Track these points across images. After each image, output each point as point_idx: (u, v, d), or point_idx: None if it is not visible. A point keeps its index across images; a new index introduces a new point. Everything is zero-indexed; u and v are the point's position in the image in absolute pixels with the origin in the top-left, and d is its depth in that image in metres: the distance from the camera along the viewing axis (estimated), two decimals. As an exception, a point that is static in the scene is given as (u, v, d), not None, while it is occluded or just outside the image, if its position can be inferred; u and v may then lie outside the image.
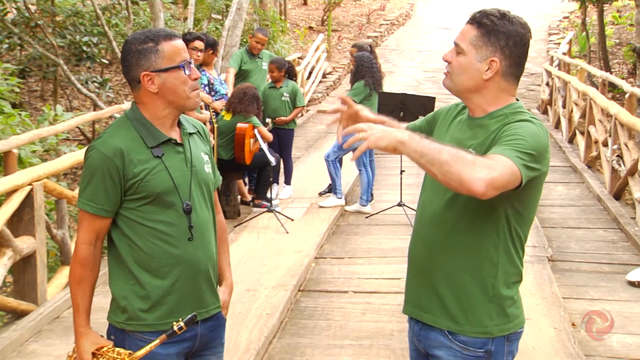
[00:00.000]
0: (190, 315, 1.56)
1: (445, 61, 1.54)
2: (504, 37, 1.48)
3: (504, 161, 1.35)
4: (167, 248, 1.59)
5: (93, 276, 1.62)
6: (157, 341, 1.54)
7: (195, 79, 1.62)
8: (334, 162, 5.30)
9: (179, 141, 1.64)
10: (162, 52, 1.58)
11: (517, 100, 1.55)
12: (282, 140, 5.56)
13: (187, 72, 1.59)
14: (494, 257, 1.50)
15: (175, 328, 1.54)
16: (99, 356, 1.58)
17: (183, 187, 1.61)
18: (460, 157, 1.33)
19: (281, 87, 5.52)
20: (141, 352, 1.54)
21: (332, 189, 5.48)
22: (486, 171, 1.32)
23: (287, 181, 5.75)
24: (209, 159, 1.72)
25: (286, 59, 6.44)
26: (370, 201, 5.63)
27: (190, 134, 1.69)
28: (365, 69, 5.13)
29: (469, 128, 1.56)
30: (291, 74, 5.64)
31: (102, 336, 1.63)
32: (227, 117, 4.99)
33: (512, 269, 1.54)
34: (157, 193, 1.58)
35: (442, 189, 1.52)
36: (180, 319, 1.56)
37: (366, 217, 5.26)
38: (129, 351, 1.56)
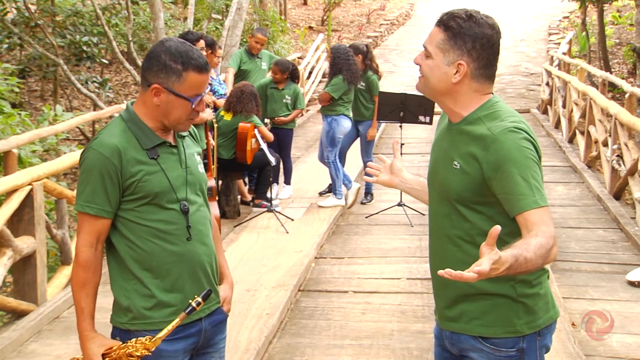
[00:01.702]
0: (205, 291, 1.58)
1: (416, 64, 1.54)
2: (471, 39, 1.47)
3: (542, 217, 1.42)
4: (167, 246, 1.61)
5: (96, 279, 1.61)
6: (177, 319, 1.56)
7: (197, 111, 1.63)
8: (334, 162, 5.30)
9: (172, 143, 1.66)
10: (183, 79, 1.58)
11: (493, 94, 1.54)
12: (281, 140, 5.56)
13: (194, 105, 1.61)
14: None
15: (194, 304, 1.55)
16: (110, 358, 1.57)
17: (179, 187, 1.63)
18: (537, 257, 1.38)
19: (283, 89, 5.50)
20: (163, 333, 1.54)
21: (332, 189, 5.48)
22: (553, 248, 1.41)
23: (287, 181, 5.76)
24: (201, 159, 1.75)
25: (286, 58, 6.44)
26: (370, 201, 5.64)
27: (183, 136, 1.70)
28: (342, 62, 5.09)
29: (450, 135, 1.56)
30: (294, 76, 5.61)
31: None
32: (228, 117, 5.00)
33: None
34: (155, 193, 1.59)
35: (444, 205, 1.54)
36: (195, 296, 1.57)
37: (366, 217, 5.27)
38: (149, 336, 1.56)
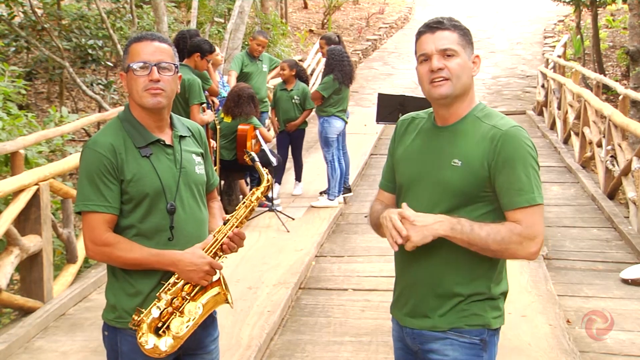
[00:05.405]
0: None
1: (438, 69, 1.53)
2: (470, 35, 1.61)
3: (533, 216, 1.49)
4: (152, 247, 1.60)
5: (129, 240, 1.60)
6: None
7: (153, 80, 1.59)
8: (332, 162, 5.38)
9: (168, 142, 1.65)
10: (129, 53, 1.62)
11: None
12: (294, 140, 5.67)
13: (140, 73, 1.59)
14: (489, 259, 1.55)
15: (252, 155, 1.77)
16: (217, 239, 1.63)
17: (171, 187, 1.61)
18: (507, 241, 1.47)
19: (292, 89, 5.57)
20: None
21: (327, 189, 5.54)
22: (532, 243, 1.49)
23: (298, 178, 5.85)
24: (202, 160, 1.72)
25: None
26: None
27: (182, 136, 1.69)
28: (335, 63, 5.22)
29: (441, 137, 1.58)
30: (302, 77, 5.69)
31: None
32: (228, 119, 5.08)
33: (501, 263, 1.60)
34: (146, 193, 1.59)
35: (441, 204, 1.54)
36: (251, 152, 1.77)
37: (365, 217, 5.33)
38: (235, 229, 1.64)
